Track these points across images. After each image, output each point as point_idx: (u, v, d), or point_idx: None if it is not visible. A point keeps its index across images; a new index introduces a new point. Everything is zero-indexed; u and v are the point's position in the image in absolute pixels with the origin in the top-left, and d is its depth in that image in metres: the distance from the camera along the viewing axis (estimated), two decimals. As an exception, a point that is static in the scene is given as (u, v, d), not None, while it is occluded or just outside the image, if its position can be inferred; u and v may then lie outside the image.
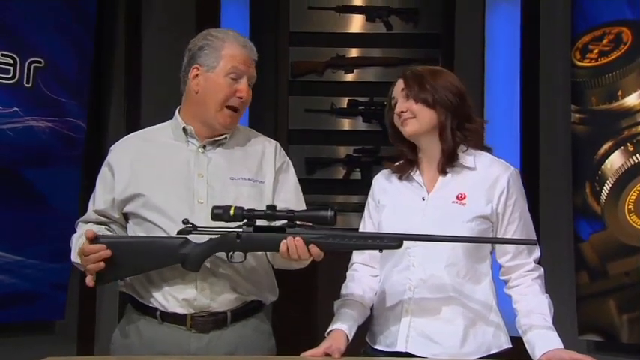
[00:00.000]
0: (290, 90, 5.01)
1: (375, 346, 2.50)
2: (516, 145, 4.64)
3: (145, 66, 4.69)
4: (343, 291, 2.56)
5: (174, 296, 2.46)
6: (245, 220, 2.33)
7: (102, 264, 2.36)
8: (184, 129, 2.55)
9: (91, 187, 4.21)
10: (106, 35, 4.55)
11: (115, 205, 2.54)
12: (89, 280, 2.40)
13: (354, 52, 5.05)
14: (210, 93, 2.51)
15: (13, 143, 4.03)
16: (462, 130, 2.48)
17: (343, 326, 2.44)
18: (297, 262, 2.42)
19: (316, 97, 5.00)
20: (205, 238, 2.37)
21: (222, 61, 2.51)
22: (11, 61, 4.01)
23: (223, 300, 2.47)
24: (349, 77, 5.04)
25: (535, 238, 2.51)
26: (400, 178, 2.55)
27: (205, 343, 2.46)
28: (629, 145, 4.04)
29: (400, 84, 2.52)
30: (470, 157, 2.49)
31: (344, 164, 5.00)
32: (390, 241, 2.31)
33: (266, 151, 2.61)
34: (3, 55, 3.99)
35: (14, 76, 4.02)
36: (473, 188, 2.44)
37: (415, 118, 2.47)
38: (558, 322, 2.43)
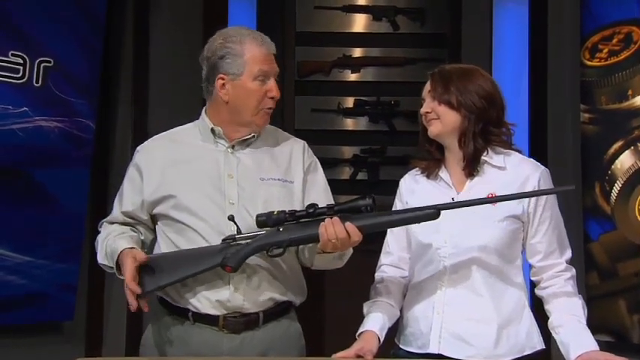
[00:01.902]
0: (296, 90, 4.98)
1: (406, 348, 2.48)
2: (525, 145, 4.60)
3: (152, 66, 4.66)
4: (372, 293, 2.55)
5: (208, 298, 2.45)
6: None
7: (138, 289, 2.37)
8: (212, 130, 2.54)
9: (99, 186, 4.27)
10: (114, 35, 4.52)
11: (143, 207, 2.53)
12: (139, 306, 2.38)
13: (360, 52, 5.02)
14: (243, 100, 2.50)
15: (22, 143, 4.01)
16: (486, 134, 2.46)
17: (374, 327, 2.42)
18: (336, 258, 2.44)
19: (322, 97, 4.98)
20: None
21: (248, 67, 2.48)
22: (21, 61, 3.98)
23: (256, 301, 2.46)
24: (355, 77, 5.02)
25: (566, 237, 2.51)
26: (428, 177, 2.53)
27: (238, 344, 2.45)
28: (639, 144, 4.03)
29: (428, 84, 2.51)
30: (499, 157, 2.47)
31: (350, 164, 4.99)
32: (426, 212, 2.31)
33: (294, 150, 2.62)
34: (12, 55, 3.96)
35: (24, 75, 3.99)
36: (503, 188, 2.41)
37: (439, 119, 2.46)
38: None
